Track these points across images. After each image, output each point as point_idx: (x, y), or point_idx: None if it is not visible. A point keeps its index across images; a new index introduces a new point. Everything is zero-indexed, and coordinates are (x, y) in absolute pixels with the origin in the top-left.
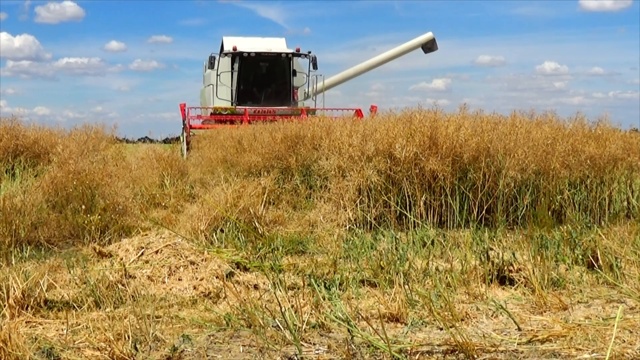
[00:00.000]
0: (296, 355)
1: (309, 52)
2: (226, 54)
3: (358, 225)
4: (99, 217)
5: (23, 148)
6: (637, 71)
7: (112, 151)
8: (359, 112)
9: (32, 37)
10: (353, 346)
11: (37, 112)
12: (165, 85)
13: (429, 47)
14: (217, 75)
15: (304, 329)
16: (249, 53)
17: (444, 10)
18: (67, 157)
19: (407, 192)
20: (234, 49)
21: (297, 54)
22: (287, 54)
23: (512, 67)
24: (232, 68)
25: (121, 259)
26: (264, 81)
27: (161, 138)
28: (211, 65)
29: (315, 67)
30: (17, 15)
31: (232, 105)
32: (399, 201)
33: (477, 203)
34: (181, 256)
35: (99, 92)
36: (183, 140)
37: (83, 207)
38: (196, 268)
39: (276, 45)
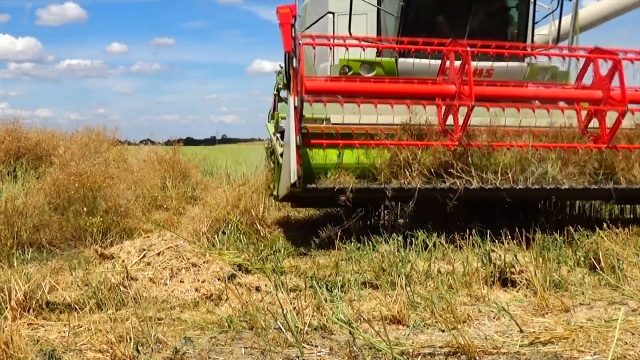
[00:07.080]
0: (298, 357)
1: None
2: None
3: None
4: (101, 219)
5: (25, 150)
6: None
7: (114, 153)
8: None
9: (34, 39)
10: (355, 348)
11: (39, 114)
12: (167, 87)
13: None
14: None
15: (306, 331)
16: None
17: None
18: (68, 160)
19: None
20: None
21: None
22: None
23: None
24: None
25: (123, 261)
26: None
27: (163, 140)
28: None
29: None
30: (20, 17)
31: (386, 57)
32: None
33: None
34: (183, 258)
35: (101, 94)
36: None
37: (85, 209)
38: (198, 270)
39: None
